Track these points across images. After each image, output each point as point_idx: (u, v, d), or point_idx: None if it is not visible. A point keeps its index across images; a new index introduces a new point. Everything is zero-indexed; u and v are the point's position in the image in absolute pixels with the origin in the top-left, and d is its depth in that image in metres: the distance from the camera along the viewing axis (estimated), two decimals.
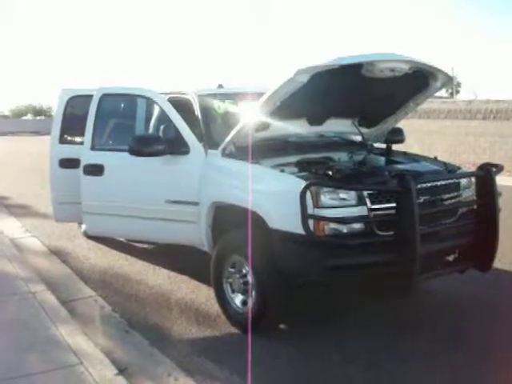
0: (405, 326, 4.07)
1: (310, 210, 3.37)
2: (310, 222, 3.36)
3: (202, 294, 4.79)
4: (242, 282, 4.00)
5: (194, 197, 4.37)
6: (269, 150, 4.31)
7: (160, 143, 4.35)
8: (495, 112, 14.78)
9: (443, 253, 3.98)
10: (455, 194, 4.06)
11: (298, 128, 4.51)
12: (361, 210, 3.49)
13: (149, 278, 5.34)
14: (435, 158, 4.66)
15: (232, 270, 4.10)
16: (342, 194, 3.49)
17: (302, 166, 4.04)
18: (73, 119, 5.58)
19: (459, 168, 4.50)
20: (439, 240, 3.79)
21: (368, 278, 3.50)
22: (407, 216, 3.33)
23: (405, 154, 4.93)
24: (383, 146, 5.12)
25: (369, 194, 3.51)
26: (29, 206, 9.61)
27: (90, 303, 4.72)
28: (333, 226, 3.44)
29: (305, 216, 3.31)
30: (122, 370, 3.45)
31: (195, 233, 4.46)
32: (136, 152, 4.34)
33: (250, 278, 3.87)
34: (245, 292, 3.98)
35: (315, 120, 4.60)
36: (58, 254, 6.28)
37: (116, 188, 4.77)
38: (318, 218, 3.37)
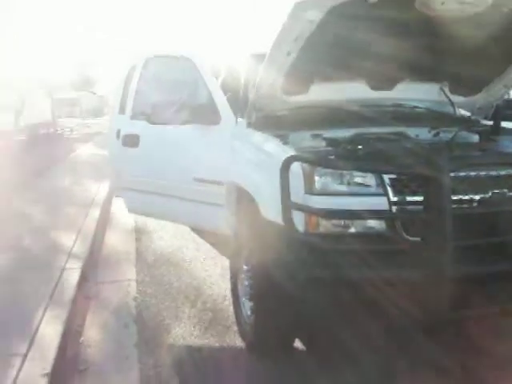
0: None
1: (300, 195, 2.41)
2: (300, 214, 2.40)
3: None
4: (247, 284, 3.15)
5: (222, 175, 3.62)
6: (311, 120, 3.35)
7: (182, 110, 3.66)
8: None
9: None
10: None
11: (354, 92, 3.45)
12: (378, 202, 2.40)
13: (203, 266, 4.72)
14: None
15: (246, 267, 3.28)
16: (356, 178, 2.44)
17: (339, 142, 3.03)
18: None
19: None
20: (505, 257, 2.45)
21: (373, 302, 2.35)
22: (435, 216, 2.16)
23: None
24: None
25: (391, 179, 2.40)
26: None
27: (121, 287, 4.30)
28: (333, 221, 2.41)
29: (287, 204, 2.36)
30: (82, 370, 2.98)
31: (224, 219, 3.70)
32: (153, 121, 3.70)
33: None
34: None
35: (379, 82, 3.47)
36: (139, 231, 6.05)
37: (149, 161, 4.19)
38: (304, 209, 2.38)
